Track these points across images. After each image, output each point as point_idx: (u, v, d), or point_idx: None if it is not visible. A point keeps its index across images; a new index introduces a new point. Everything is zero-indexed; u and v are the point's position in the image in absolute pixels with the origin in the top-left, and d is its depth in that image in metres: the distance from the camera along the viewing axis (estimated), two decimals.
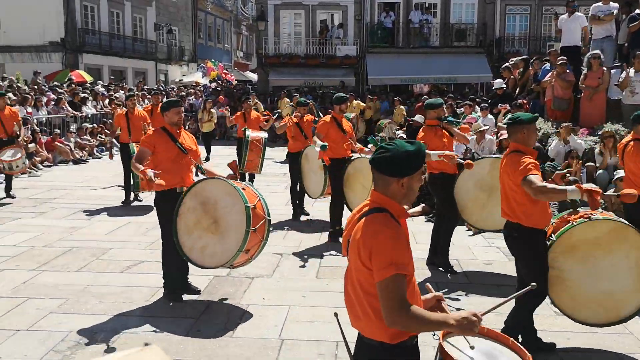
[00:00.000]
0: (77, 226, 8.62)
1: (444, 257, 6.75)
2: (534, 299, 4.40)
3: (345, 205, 8.07)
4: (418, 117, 14.16)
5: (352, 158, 7.90)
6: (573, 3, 11.71)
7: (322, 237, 8.11)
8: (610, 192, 4.51)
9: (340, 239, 7.95)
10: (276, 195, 10.55)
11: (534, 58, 13.73)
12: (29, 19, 26.14)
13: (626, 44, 10.95)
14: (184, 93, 24.28)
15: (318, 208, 9.64)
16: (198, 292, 5.87)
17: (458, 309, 4.64)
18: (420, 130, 6.90)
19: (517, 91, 13.64)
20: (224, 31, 44.41)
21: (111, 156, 10.99)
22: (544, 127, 10.76)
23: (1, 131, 10.15)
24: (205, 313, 5.41)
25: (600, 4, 11.18)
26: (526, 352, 2.57)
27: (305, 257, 7.23)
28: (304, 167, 9.02)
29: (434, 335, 2.71)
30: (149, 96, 17.18)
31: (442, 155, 6.22)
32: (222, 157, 15.80)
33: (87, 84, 22.41)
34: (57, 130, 15.86)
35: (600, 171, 9.26)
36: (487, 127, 10.86)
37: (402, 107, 19.05)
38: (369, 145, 7.53)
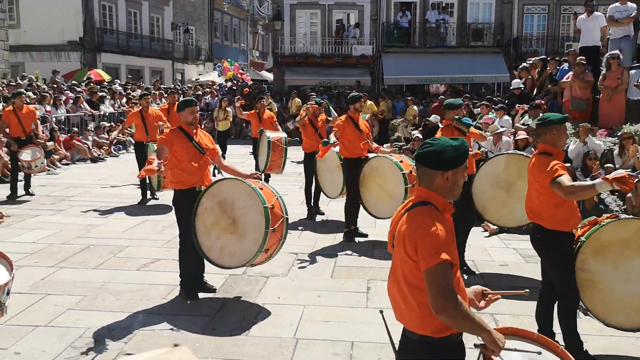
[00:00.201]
0: (95, 224, 8.71)
1: (460, 258, 6.71)
2: (567, 303, 4.34)
3: (361, 205, 8.06)
4: (433, 118, 14.09)
5: (369, 157, 7.89)
6: (592, 3, 11.59)
7: (338, 237, 8.11)
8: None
9: (356, 239, 7.99)
10: (291, 195, 10.55)
11: (549, 58, 13.62)
12: (48, 18, 26.46)
13: None
14: (200, 92, 24.41)
15: (333, 208, 9.64)
16: (214, 290, 5.90)
17: None
18: (439, 130, 6.86)
19: (535, 91, 13.52)
20: (240, 31, 44.56)
21: (109, 150, 10.82)
22: None
23: (20, 130, 10.28)
24: (221, 311, 5.43)
25: (617, 4, 11.06)
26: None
27: (321, 256, 7.23)
28: (319, 166, 9.02)
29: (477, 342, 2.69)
30: (166, 95, 17.30)
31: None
32: (238, 156, 15.89)
33: (105, 83, 22.64)
34: (75, 129, 16.03)
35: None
36: (504, 129, 10.76)
37: (415, 107, 18.99)
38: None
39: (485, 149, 10.14)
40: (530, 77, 14.05)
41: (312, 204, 9.46)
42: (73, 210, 9.64)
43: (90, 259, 6.93)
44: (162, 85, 24.19)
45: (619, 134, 9.55)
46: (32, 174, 10.87)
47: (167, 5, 34.05)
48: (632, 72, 10.55)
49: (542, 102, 11.97)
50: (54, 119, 15.43)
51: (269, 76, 34.99)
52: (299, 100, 21.57)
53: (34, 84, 18.46)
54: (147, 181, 10.06)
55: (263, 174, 10.54)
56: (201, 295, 5.77)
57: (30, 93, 15.51)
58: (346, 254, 7.33)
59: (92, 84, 20.42)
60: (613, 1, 11.40)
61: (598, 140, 9.85)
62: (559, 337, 4.71)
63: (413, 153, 10.88)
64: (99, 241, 7.70)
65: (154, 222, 8.84)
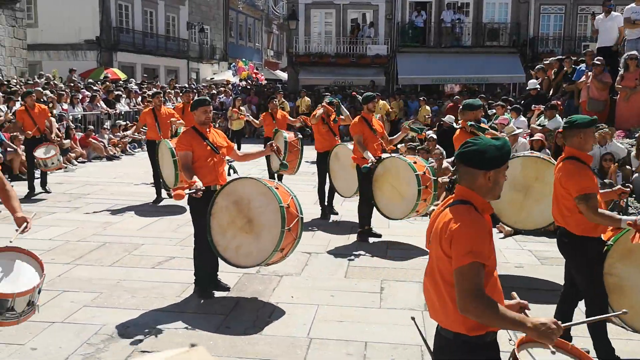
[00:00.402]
0: (110, 221, 8.78)
1: None
2: (594, 308, 4.28)
3: (374, 206, 8.04)
4: (448, 118, 14.04)
5: (382, 158, 7.86)
6: (609, 3, 11.48)
7: (351, 237, 8.10)
8: None
9: (370, 239, 7.98)
10: (305, 194, 10.55)
11: (565, 57, 13.50)
12: (65, 18, 26.74)
13: None
14: (214, 91, 24.53)
15: (347, 208, 9.63)
16: (227, 289, 5.92)
17: None
18: (458, 131, 6.80)
19: (552, 92, 13.41)
20: (255, 30, 44.69)
21: (124, 144, 10.59)
22: None
23: (34, 129, 10.39)
24: (235, 310, 5.46)
25: (633, 5, 10.94)
26: None
27: (334, 256, 7.24)
28: (334, 166, 9.01)
29: (510, 340, 2.69)
30: (181, 94, 17.40)
31: None
32: None
33: (121, 82, 22.82)
34: (91, 127, 16.17)
35: (637, 174, 9.04)
36: (520, 130, 10.67)
37: (427, 107, 18.92)
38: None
39: None
40: (546, 77, 13.94)
41: (325, 203, 9.46)
42: (89, 207, 9.73)
43: (106, 257, 6.99)
44: (177, 84, 24.33)
45: (636, 135, 9.44)
46: (48, 172, 10.98)
47: (182, 4, 34.24)
48: None
49: (559, 102, 11.88)
50: (70, 117, 15.59)
51: (284, 76, 35.06)
52: (308, 99, 21.61)
53: (51, 83, 18.66)
54: (161, 179, 10.11)
55: (276, 175, 10.56)
56: (215, 294, 5.79)
57: (47, 91, 15.67)
58: (360, 254, 7.33)
59: (107, 83, 20.60)
60: (631, 1, 11.28)
61: (619, 142, 9.71)
62: (575, 341, 4.67)
63: (428, 153, 10.86)
64: (114, 239, 7.77)
65: (168, 221, 8.90)
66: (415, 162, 7.64)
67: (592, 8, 22.62)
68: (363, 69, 26.38)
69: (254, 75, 33.44)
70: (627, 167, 9.22)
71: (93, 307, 5.42)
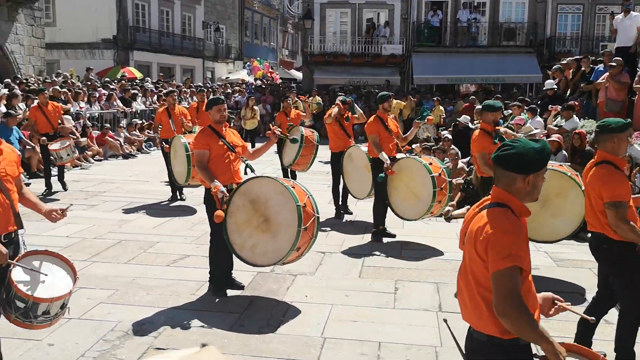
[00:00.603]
0: (126, 219, 8.85)
1: None
2: (630, 312, 4.19)
3: (388, 206, 8.02)
4: (463, 118, 13.98)
5: (397, 158, 7.83)
6: (628, 2, 11.35)
7: (365, 237, 8.09)
8: None
9: (384, 239, 7.96)
10: (319, 194, 10.54)
11: (582, 57, 13.36)
12: (83, 17, 26.99)
13: None
14: (229, 90, 24.62)
15: (361, 208, 9.62)
16: (242, 287, 5.94)
17: None
18: (477, 132, 6.73)
19: (569, 92, 13.29)
20: (270, 29, 44.79)
21: (167, 148, 10.28)
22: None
23: (48, 126, 10.49)
24: (249, 308, 5.47)
25: None
26: None
27: (348, 256, 7.23)
28: (347, 167, 8.99)
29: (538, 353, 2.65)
30: (196, 93, 17.48)
31: None
32: (265, 155, 15.93)
33: (137, 81, 22.98)
34: (108, 125, 16.31)
35: None
36: (537, 131, 10.59)
37: (441, 107, 18.81)
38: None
39: None
40: (564, 77, 13.82)
41: (339, 203, 9.45)
42: (105, 205, 9.81)
43: (122, 254, 7.05)
44: (192, 84, 24.46)
45: None
46: (64, 166, 11.06)
47: (198, 4, 34.41)
48: None
49: (576, 103, 11.76)
50: (87, 116, 15.73)
51: (298, 75, 35.09)
52: (319, 98, 21.58)
53: (68, 81, 18.84)
54: (173, 177, 10.09)
55: (289, 171, 10.56)
56: (229, 292, 5.82)
57: (65, 90, 15.82)
58: (374, 254, 7.31)
59: (124, 82, 20.77)
60: None
61: (637, 144, 9.55)
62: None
63: (444, 153, 10.82)
64: (130, 236, 7.83)
65: (183, 219, 8.95)
66: (430, 164, 7.61)
67: (610, 8, 22.37)
68: (378, 68, 26.33)
69: (269, 75, 33.52)
70: None
71: (109, 304, 5.47)
